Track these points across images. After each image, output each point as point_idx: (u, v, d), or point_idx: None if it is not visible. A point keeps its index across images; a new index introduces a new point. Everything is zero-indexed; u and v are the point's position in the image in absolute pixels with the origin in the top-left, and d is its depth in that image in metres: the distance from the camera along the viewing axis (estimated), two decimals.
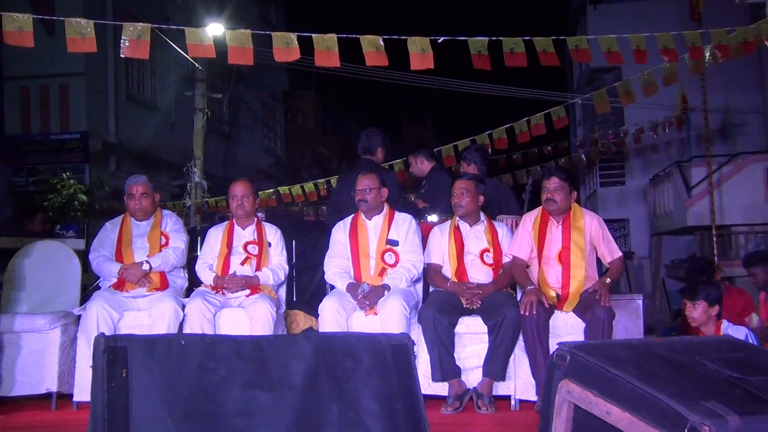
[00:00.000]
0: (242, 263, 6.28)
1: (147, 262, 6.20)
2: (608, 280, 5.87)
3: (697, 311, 5.56)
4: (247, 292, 6.12)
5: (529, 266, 6.10)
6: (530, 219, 6.17)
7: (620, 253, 6.15)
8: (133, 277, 6.13)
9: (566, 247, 5.93)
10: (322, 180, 17.33)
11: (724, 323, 5.46)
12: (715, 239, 13.60)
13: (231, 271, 6.24)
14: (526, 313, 5.63)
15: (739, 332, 5.33)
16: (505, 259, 6.18)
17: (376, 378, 2.90)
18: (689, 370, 2.82)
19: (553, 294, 5.86)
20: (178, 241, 6.45)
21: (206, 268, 6.33)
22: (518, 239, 6.15)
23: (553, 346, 5.20)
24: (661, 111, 17.11)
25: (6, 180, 6.14)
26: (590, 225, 6.05)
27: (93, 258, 6.37)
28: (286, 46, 7.61)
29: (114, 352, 2.63)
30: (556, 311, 5.80)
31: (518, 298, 5.94)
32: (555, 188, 5.99)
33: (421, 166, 8.25)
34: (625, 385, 2.67)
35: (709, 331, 5.51)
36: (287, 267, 6.50)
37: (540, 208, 6.19)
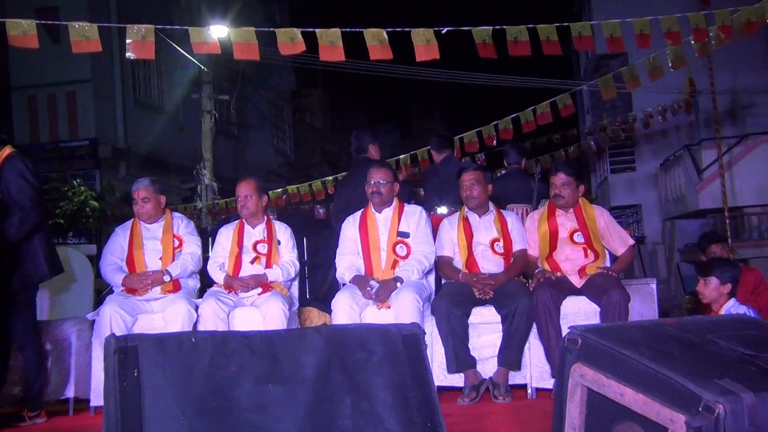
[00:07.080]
0: (252, 262, 6.27)
1: (167, 272, 6.17)
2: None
3: (708, 288, 5.49)
4: (259, 290, 6.12)
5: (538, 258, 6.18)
6: (535, 217, 6.28)
7: (632, 241, 6.20)
8: (155, 285, 6.12)
9: (583, 226, 6.02)
10: (330, 177, 17.37)
11: (729, 302, 5.38)
12: (728, 221, 13.59)
13: (242, 270, 6.24)
14: (542, 280, 5.75)
15: (740, 311, 5.26)
16: (516, 247, 6.19)
17: (388, 368, 2.89)
18: (702, 349, 2.81)
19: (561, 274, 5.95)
20: (193, 245, 6.43)
21: (217, 269, 6.33)
22: (526, 235, 6.28)
23: (566, 332, 5.20)
24: (669, 95, 17.07)
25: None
26: (600, 216, 6.16)
27: (102, 266, 6.35)
28: (290, 41, 7.63)
29: (125, 352, 2.63)
30: (568, 297, 5.80)
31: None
32: (562, 183, 6.06)
33: (435, 158, 8.31)
34: (638, 366, 2.66)
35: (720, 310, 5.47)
36: (298, 264, 6.47)
37: (546, 204, 6.29)
